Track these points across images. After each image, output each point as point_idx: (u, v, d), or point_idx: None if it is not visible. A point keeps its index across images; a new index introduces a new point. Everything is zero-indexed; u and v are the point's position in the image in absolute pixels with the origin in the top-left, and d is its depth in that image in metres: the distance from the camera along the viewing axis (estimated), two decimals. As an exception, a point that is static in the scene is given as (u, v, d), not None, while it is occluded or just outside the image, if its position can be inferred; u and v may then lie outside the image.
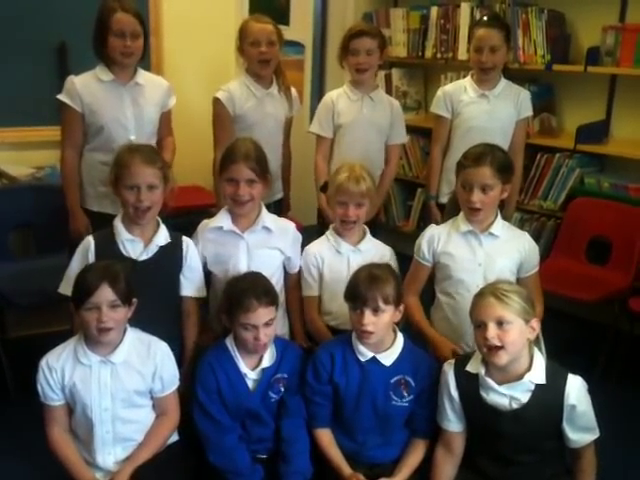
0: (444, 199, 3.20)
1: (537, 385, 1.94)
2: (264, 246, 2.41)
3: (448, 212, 2.50)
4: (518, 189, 3.34)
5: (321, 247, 2.52)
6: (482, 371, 1.97)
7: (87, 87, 2.73)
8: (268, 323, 2.09)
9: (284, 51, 3.16)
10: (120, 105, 2.76)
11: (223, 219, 2.41)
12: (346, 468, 2.11)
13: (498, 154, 2.36)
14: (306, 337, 2.54)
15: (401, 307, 2.14)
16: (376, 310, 2.05)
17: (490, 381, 1.95)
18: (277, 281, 2.42)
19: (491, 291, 1.95)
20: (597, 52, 3.46)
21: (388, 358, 2.13)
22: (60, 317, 2.63)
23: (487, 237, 2.39)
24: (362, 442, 2.18)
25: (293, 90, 3.21)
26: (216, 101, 3.01)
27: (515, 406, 1.94)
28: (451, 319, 2.44)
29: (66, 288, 2.24)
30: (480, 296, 1.97)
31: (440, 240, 2.45)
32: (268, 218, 2.44)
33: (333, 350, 2.18)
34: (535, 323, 1.95)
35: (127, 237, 2.23)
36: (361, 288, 2.07)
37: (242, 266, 2.36)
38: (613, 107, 3.65)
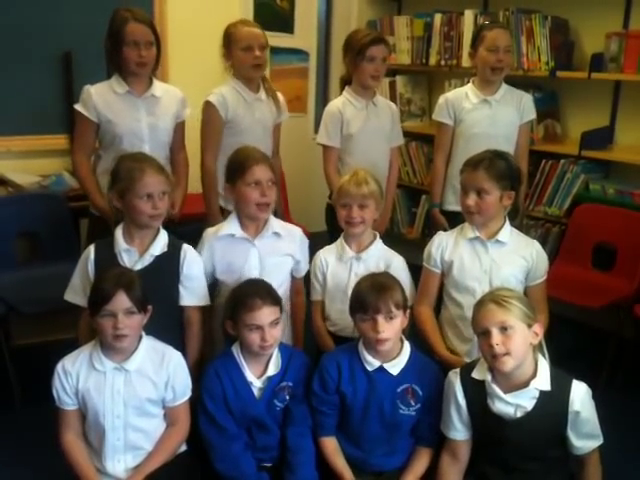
0: (449, 206, 3.21)
1: (542, 392, 1.92)
2: (275, 253, 2.41)
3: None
4: (523, 195, 3.34)
5: (329, 253, 2.53)
6: (488, 378, 1.96)
7: (103, 97, 2.74)
8: (273, 324, 2.10)
9: (288, 59, 3.17)
10: (136, 116, 2.77)
11: (232, 226, 2.40)
12: (348, 475, 2.11)
13: (498, 161, 2.35)
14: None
15: (407, 312, 2.14)
16: (389, 317, 2.06)
17: (497, 389, 1.94)
18: (286, 287, 2.45)
19: (491, 298, 1.95)
20: (601, 58, 3.46)
21: (395, 367, 2.13)
22: (65, 325, 2.63)
23: (494, 244, 2.39)
24: (369, 450, 2.18)
25: (280, 95, 3.17)
26: (208, 105, 2.94)
27: (520, 414, 1.93)
28: (458, 326, 2.43)
29: (70, 295, 2.28)
30: (480, 304, 1.96)
31: (447, 247, 2.45)
32: (276, 223, 2.44)
33: (340, 359, 2.18)
34: (538, 328, 1.95)
35: (124, 247, 2.23)
36: (370, 297, 2.07)
37: (254, 273, 2.35)
38: (617, 113, 3.65)
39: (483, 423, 1.99)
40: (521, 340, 1.89)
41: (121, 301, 1.94)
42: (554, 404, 1.93)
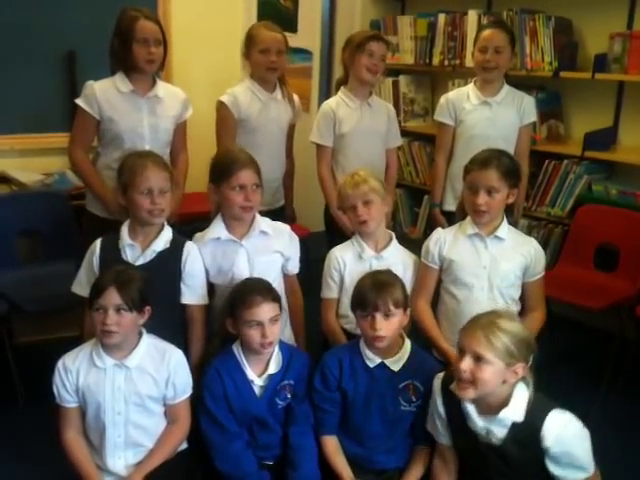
0: (449, 206, 3.22)
1: (514, 422, 1.84)
2: (264, 252, 2.41)
3: (458, 220, 2.51)
4: (524, 195, 3.35)
5: (345, 251, 2.52)
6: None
7: (106, 95, 2.73)
8: (273, 320, 2.10)
9: (291, 58, 3.19)
10: (138, 115, 2.77)
11: (218, 229, 2.40)
12: (347, 475, 2.12)
13: (504, 159, 2.37)
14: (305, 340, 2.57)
15: (408, 311, 2.15)
16: (387, 314, 2.07)
17: (469, 408, 1.88)
18: (278, 285, 2.43)
19: (484, 324, 1.83)
20: (605, 59, 3.45)
21: (396, 363, 2.14)
22: (68, 323, 2.64)
23: (493, 240, 2.40)
24: (370, 447, 2.18)
25: (295, 97, 3.24)
26: (221, 104, 3.02)
27: (493, 440, 1.86)
28: (454, 320, 2.42)
29: (77, 288, 2.30)
30: (473, 322, 1.87)
31: (446, 243, 2.46)
32: (263, 222, 2.44)
33: (341, 356, 2.19)
34: (520, 369, 1.83)
35: (128, 242, 2.25)
36: (370, 294, 2.08)
37: (244, 273, 2.36)
38: (621, 114, 3.64)
39: (463, 436, 1.95)
40: (492, 376, 1.81)
41: (111, 297, 1.95)
42: (526, 436, 1.83)
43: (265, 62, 2.99)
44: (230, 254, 2.38)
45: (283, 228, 2.50)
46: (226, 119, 3.02)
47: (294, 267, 2.52)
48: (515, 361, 1.82)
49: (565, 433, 1.81)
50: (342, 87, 3.19)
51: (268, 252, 2.42)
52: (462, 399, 1.88)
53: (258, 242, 2.41)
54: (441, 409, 2.00)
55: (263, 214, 2.48)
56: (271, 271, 2.41)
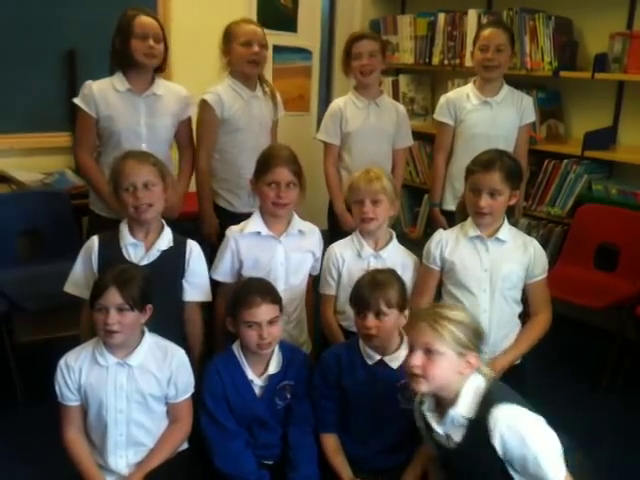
0: (448, 206, 3.22)
1: (469, 420, 1.70)
2: (299, 250, 2.46)
3: (459, 220, 2.51)
4: (523, 195, 3.36)
5: (344, 248, 2.53)
6: (425, 406, 1.83)
7: (104, 94, 2.73)
8: (272, 322, 2.10)
9: (291, 58, 3.18)
10: (135, 115, 2.76)
11: (258, 224, 2.43)
12: (346, 473, 2.11)
13: (507, 160, 2.35)
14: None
15: (406, 312, 2.14)
16: (378, 314, 2.07)
17: (429, 415, 1.80)
18: (305, 284, 2.52)
19: (428, 315, 1.75)
20: (605, 59, 3.45)
21: (396, 361, 2.13)
22: (68, 322, 2.64)
23: (494, 242, 2.39)
24: (369, 446, 2.18)
25: (277, 94, 3.20)
26: (204, 103, 2.95)
27: (452, 445, 1.75)
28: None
29: (71, 287, 2.30)
30: (416, 316, 1.79)
31: (448, 245, 2.44)
32: (299, 222, 2.49)
33: (340, 353, 2.20)
34: (473, 359, 1.73)
35: (130, 241, 2.25)
36: (364, 292, 2.10)
37: (280, 270, 2.41)
38: (621, 113, 3.64)
39: (434, 446, 1.88)
40: (445, 368, 1.70)
41: (112, 296, 1.95)
42: (478, 435, 1.66)
43: (247, 54, 2.92)
44: (269, 250, 2.42)
45: (314, 229, 2.56)
46: (209, 119, 2.95)
47: (317, 269, 2.58)
48: (466, 350, 1.71)
49: (512, 430, 1.62)
50: (353, 87, 3.22)
51: (302, 250, 2.48)
52: (415, 392, 1.80)
53: (295, 240, 2.46)
54: (420, 423, 1.92)
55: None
56: (303, 269, 2.48)
